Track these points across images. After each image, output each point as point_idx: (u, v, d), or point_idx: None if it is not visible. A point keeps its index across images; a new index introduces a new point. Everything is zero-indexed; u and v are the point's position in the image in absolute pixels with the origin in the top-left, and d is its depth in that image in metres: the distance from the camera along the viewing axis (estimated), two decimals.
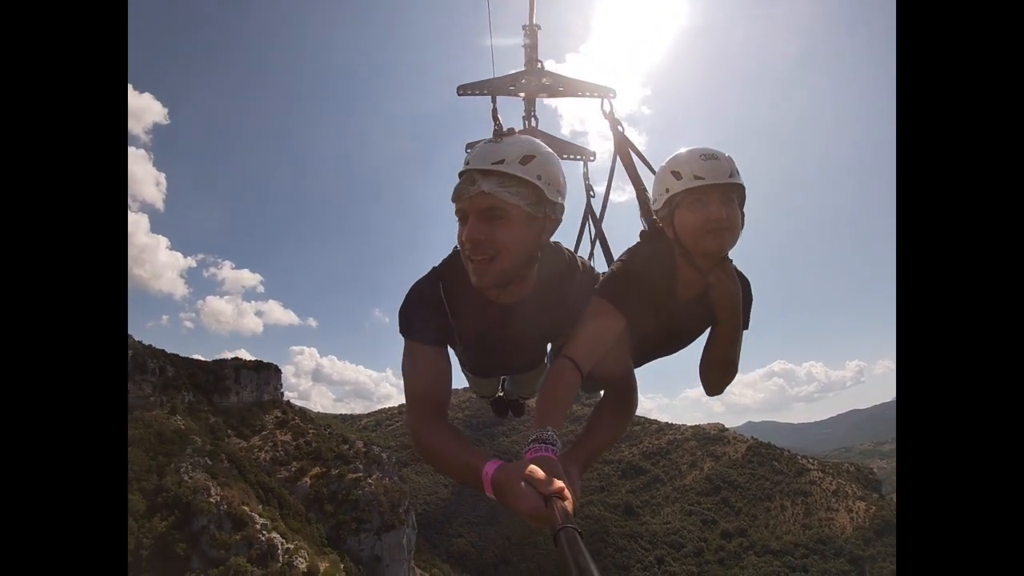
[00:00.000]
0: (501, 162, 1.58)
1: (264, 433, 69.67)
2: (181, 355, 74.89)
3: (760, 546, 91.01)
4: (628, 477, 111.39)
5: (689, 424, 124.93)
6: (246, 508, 46.72)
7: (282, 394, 79.72)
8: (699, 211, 1.84)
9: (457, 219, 1.69)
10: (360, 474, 65.77)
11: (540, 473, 1.27)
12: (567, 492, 1.24)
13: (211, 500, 45.49)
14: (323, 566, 45.13)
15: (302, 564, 43.60)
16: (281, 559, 42.83)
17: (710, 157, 1.85)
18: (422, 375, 1.75)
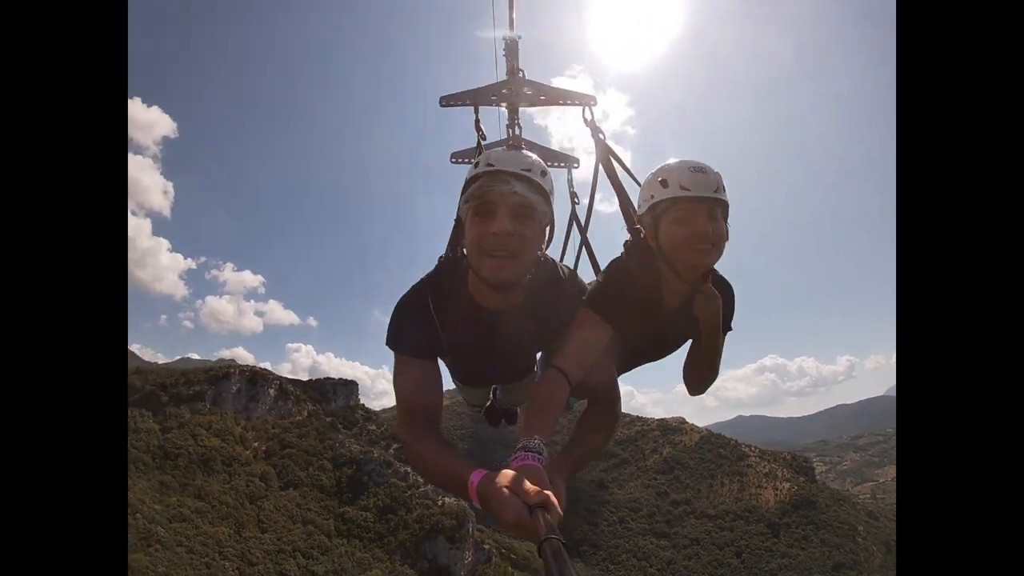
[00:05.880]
0: (528, 170, 1.68)
1: (359, 425, 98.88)
2: (302, 379, 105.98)
3: (699, 512, 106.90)
4: (602, 460, 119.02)
5: (656, 417, 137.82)
6: (391, 458, 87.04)
7: (359, 399, 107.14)
8: (685, 225, 1.82)
9: (464, 217, 1.70)
10: None
11: (525, 483, 1.24)
12: (552, 502, 1.20)
13: (375, 455, 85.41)
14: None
15: (420, 480, 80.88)
16: (411, 479, 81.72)
17: (698, 170, 1.84)
18: (412, 388, 1.76)
